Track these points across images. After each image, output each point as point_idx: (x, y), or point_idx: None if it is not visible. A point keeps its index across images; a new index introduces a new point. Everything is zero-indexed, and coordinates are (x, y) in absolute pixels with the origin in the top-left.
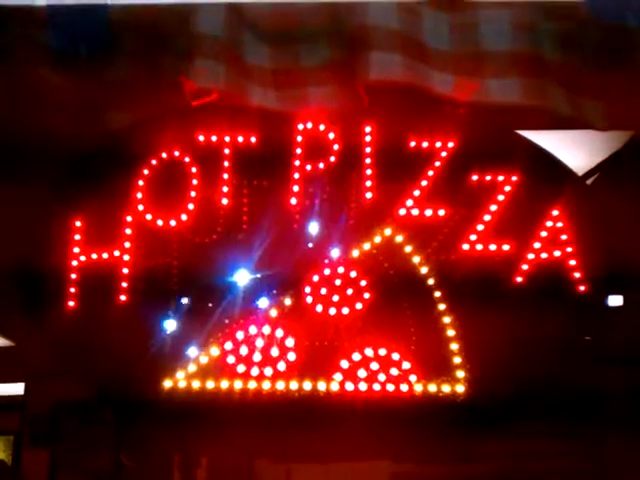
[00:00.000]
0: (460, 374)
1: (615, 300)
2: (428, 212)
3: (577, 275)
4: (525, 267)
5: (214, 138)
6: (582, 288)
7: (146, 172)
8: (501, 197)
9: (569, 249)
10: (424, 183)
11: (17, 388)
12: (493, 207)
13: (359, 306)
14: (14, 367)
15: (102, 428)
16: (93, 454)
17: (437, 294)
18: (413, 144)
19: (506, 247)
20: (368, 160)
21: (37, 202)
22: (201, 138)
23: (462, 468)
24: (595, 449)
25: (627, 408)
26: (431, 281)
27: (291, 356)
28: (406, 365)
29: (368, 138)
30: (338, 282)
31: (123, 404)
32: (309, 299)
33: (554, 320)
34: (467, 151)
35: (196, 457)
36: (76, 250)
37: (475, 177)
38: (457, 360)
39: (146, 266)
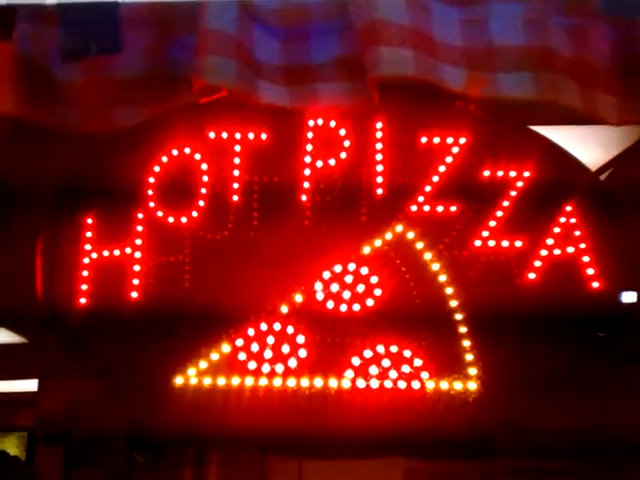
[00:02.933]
0: (472, 371)
1: (630, 297)
2: (440, 208)
3: (591, 271)
4: (538, 263)
5: (225, 135)
6: (596, 284)
7: (157, 169)
8: (513, 193)
9: (582, 245)
10: (436, 179)
11: (31, 385)
12: (505, 203)
13: (370, 303)
14: (28, 364)
15: (114, 425)
16: (106, 451)
17: (449, 291)
18: (424, 140)
19: (519, 243)
20: (379, 156)
21: (48, 199)
22: (211, 135)
23: (474, 466)
24: (613, 446)
25: None
26: (443, 278)
27: (302, 353)
28: (418, 362)
29: (379, 134)
30: (349, 279)
31: (135, 400)
32: (320, 296)
33: (567, 316)
34: (479, 147)
35: (208, 453)
36: (87, 247)
37: (487, 173)
38: (469, 357)
39: (157, 263)
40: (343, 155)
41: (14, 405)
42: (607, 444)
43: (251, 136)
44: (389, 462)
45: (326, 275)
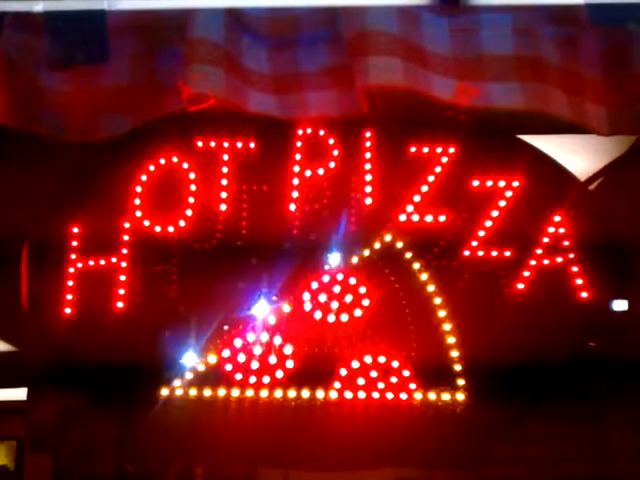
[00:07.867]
0: (460, 382)
1: (618, 306)
2: (429, 218)
3: (580, 281)
4: (527, 273)
5: (213, 144)
6: (584, 294)
7: (144, 178)
8: (502, 202)
9: (571, 255)
10: (424, 189)
11: (20, 393)
12: (494, 213)
13: (358, 313)
14: (17, 372)
15: (104, 435)
16: (95, 461)
17: (437, 301)
18: (413, 149)
19: (507, 253)
20: (368, 166)
21: (34, 208)
22: (200, 144)
23: (465, 474)
24: (602, 454)
25: (633, 412)
26: (431, 287)
27: (289, 364)
28: (405, 373)
29: (368, 143)
30: (337, 289)
31: (122, 411)
32: (308, 306)
33: (556, 327)
34: (468, 156)
35: (194, 465)
36: (73, 257)
37: (476, 182)
38: (457, 368)
39: (144, 273)
40: (332, 164)
41: (3, 413)
42: (598, 453)
43: (239, 145)
44: (375, 474)
45: (314, 285)
